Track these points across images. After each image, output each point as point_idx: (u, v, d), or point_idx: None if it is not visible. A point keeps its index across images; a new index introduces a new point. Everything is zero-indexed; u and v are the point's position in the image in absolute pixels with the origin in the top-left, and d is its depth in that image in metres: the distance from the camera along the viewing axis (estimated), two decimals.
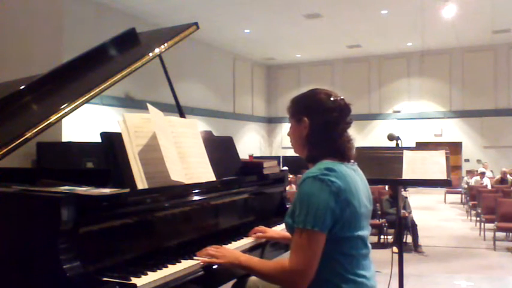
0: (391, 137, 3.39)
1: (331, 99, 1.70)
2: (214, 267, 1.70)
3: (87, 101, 1.94)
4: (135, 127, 1.86)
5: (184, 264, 1.64)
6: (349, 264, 1.58)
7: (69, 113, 1.86)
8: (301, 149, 1.76)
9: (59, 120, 1.83)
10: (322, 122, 1.69)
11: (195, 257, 1.70)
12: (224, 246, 1.86)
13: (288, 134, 1.82)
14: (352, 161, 1.72)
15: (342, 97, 1.73)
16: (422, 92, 18.95)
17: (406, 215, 7.08)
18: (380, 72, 19.71)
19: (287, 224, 1.66)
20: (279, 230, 2.29)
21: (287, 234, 1.86)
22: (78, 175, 2.13)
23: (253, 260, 1.69)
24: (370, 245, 1.69)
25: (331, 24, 14.80)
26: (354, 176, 1.66)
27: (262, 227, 2.19)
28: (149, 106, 1.92)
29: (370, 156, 3.29)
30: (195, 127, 2.24)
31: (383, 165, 3.21)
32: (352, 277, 1.58)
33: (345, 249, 1.58)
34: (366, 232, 1.65)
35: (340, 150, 1.68)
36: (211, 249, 1.73)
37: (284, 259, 1.59)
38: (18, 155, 2.35)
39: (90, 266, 1.42)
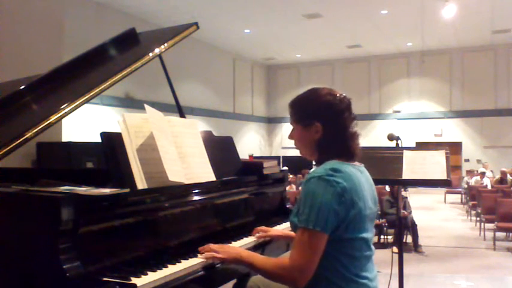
0: (391, 137, 3.39)
1: (338, 98, 1.70)
2: (217, 265, 1.71)
3: (87, 101, 1.94)
4: (135, 127, 1.86)
5: (185, 264, 1.64)
6: (352, 265, 1.58)
7: (69, 113, 1.86)
8: (311, 153, 1.74)
9: (59, 120, 1.83)
10: (335, 125, 1.68)
11: (198, 254, 1.72)
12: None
13: (291, 138, 1.79)
14: (359, 163, 1.72)
15: (343, 94, 1.73)
16: (422, 92, 18.95)
17: (406, 215, 7.08)
18: (380, 72, 19.71)
19: (292, 223, 1.66)
20: (280, 229, 2.29)
21: (290, 233, 1.86)
22: (78, 175, 2.13)
23: (255, 256, 1.69)
24: (373, 248, 1.69)
25: (331, 24, 14.79)
26: (360, 177, 1.65)
27: (264, 227, 2.19)
28: (146, 107, 1.91)
29: (370, 156, 3.29)
30: (195, 127, 2.24)
31: (383, 165, 3.20)
32: (355, 278, 1.58)
33: (348, 251, 1.58)
34: (369, 234, 1.64)
35: (351, 150, 1.68)
36: (214, 245, 1.74)
37: (285, 257, 1.60)
38: (18, 155, 2.35)
39: (90, 266, 1.42)
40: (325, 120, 1.68)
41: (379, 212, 7.78)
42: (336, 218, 1.52)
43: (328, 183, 1.53)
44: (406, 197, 7.33)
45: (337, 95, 1.71)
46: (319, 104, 1.70)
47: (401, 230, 5.06)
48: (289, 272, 1.53)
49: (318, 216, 1.51)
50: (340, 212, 1.53)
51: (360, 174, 1.66)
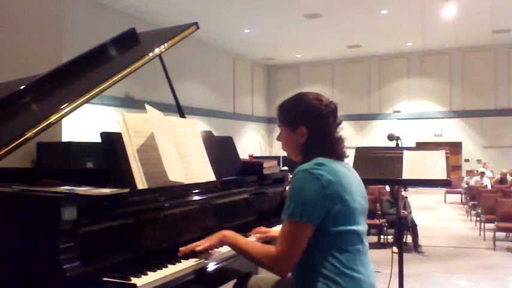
0: (391, 137, 3.39)
1: (323, 103, 1.74)
2: (217, 265, 1.69)
3: (87, 101, 1.94)
4: (135, 127, 1.86)
5: (184, 264, 1.65)
6: (346, 259, 1.60)
7: (69, 113, 1.86)
8: (297, 154, 1.80)
9: (59, 120, 1.83)
10: (319, 129, 1.73)
11: (181, 259, 1.69)
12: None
13: (279, 140, 1.85)
14: (345, 161, 1.77)
15: (330, 99, 1.78)
16: (422, 92, 18.95)
17: (406, 215, 7.08)
18: (380, 72, 19.70)
19: (282, 220, 1.68)
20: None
21: None
22: (78, 175, 2.13)
23: (240, 237, 1.75)
24: (367, 242, 1.71)
25: (331, 24, 14.79)
26: (347, 172, 1.69)
27: (263, 228, 2.20)
28: (147, 107, 1.91)
29: (370, 156, 3.30)
30: (195, 127, 2.24)
31: (383, 165, 3.20)
32: (349, 272, 1.59)
33: (340, 244, 1.60)
34: (361, 228, 1.67)
35: (336, 154, 1.73)
36: (194, 243, 1.76)
37: (271, 245, 1.66)
38: (18, 155, 2.35)
39: (90, 266, 1.42)
40: (310, 124, 1.73)
41: (379, 212, 7.79)
42: (321, 210, 1.56)
43: (313, 176, 1.58)
44: (406, 197, 7.34)
45: (324, 100, 1.76)
46: (305, 108, 1.75)
47: (401, 230, 5.06)
48: (276, 262, 1.59)
49: (303, 208, 1.55)
50: (325, 204, 1.56)
51: (347, 171, 1.70)
